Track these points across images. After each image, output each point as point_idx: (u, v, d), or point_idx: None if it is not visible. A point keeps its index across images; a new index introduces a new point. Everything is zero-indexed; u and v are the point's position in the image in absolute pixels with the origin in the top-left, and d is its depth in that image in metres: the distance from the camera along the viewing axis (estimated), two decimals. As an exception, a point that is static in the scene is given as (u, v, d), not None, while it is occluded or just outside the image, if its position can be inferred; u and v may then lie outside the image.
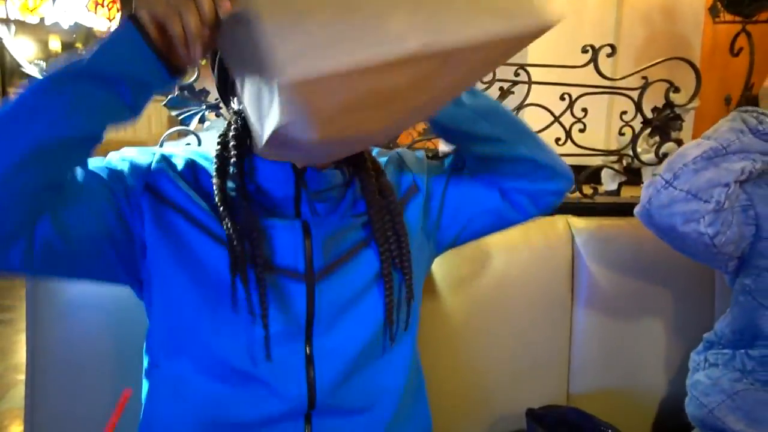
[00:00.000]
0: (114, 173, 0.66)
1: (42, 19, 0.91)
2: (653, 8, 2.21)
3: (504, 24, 0.47)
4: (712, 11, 1.72)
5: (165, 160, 0.70)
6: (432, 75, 0.49)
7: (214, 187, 0.68)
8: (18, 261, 0.56)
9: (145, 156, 0.70)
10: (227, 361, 0.66)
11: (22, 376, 2.55)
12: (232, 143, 0.70)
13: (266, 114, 0.50)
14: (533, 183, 0.79)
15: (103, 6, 0.96)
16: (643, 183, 1.52)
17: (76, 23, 0.96)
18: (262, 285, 0.66)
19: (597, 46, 1.28)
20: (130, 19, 0.53)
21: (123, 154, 0.70)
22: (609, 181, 1.63)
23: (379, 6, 0.45)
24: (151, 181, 0.67)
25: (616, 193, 1.57)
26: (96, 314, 0.91)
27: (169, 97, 1.07)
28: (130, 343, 0.80)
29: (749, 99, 1.72)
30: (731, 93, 1.79)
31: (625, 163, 1.51)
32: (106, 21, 0.99)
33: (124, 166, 0.67)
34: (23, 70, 1.00)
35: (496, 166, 0.79)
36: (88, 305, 0.91)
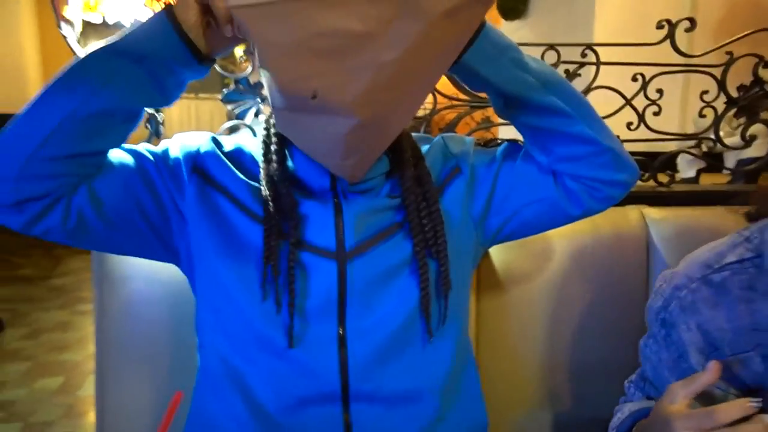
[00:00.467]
0: (161, 156, 0.70)
1: (104, 19, 0.93)
2: (733, -22, 2.04)
3: None
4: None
5: (215, 143, 0.74)
6: (388, 23, 0.48)
7: (260, 168, 0.70)
8: (55, 227, 0.62)
9: (197, 140, 0.73)
10: (263, 338, 0.67)
11: (94, 365, 2.70)
12: (272, 131, 0.72)
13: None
14: (591, 169, 0.72)
15: (159, 0, 0.97)
16: (725, 169, 1.40)
17: (136, 20, 0.97)
18: (292, 259, 0.67)
19: (673, 21, 1.18)
20: (165, 12, 0.59)
21: (178, 138, 0.74)
22: (686, 168, 1.52)
23: None
24: (200, 163, 0.71)
25: (695, 180, 1.46)
26: (160, 307, 0.93)
27: (226, 92, 1.06)
28: (192, 334, 0.81)
29: None
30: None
31: (705, 147, 1.39)
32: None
33: (175, 150, 0.71)
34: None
35: (553, 144, 0.73)
36: (152, 298, 0.93)
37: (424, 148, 0.79)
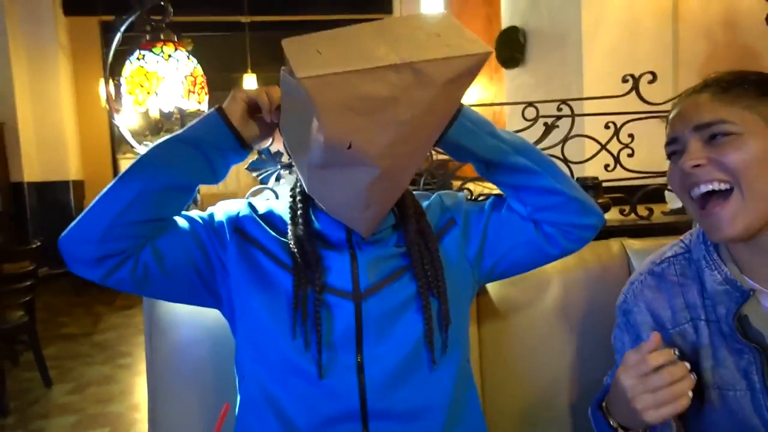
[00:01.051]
0: (208, 220, 0.87)
1: (148, 110, 1.13)
2: (712, 22, 2.19)
3: (451, 51, 0.64)
4: (768, 21, 1.71)
5: (251, 208, 0.91)
6: (408, 88, 0.64)
7: (288, 229, 0.86)
8: (126, 278, 0.78)
9: (236, 205, 0.91)
10: (296, 368, 0.81)
11: (139, 415, 2.85)
12: (298, 197, 0.88)
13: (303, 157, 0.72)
14: (562, 216, 0.88)
15: (194, 92, 1.17)
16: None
17: (176, 107, 1.18)
18: (317, 304, 0.81)
19: (640, 72, 1.33)
20: (217, 109, 0.79)
21: (221, 205, 0.92)
22: (673, 200, 1.64)
23: (369, 43, 0.65)
24: (239, 225, 0.87)
25: (682, 211, 1.57)
26: (203, 348, 1.06)
27: (250, 161, 1.25)
28: (231, 370, 0.95)
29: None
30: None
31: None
32: (196, 104, 1.19)
33: (219, 214, 0.88)
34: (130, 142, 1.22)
35: (527, 197, 0.89)
36: (196, 341, 1.07)
37: (424, 203, 0.95)
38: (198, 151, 0.78)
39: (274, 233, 0.87)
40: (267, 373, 0.83)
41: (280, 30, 7.49)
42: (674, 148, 0.79)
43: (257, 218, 0.89)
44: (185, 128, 0.79)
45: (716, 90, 0.76)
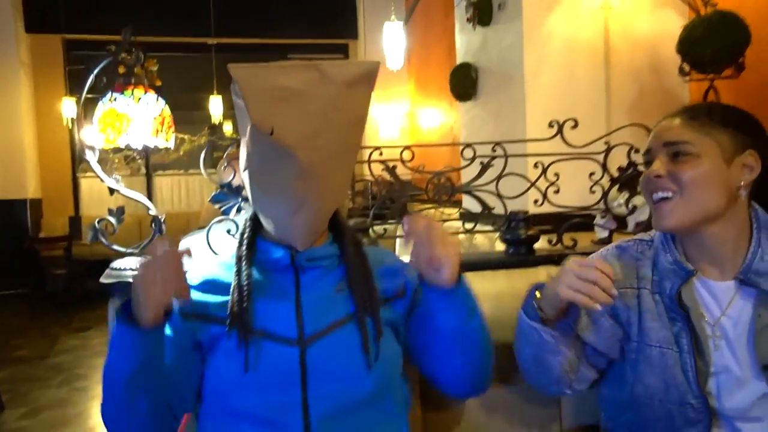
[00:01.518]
0: (174, 332, 0.91)
1: (119, 147, 1.23)
2: (639, 67, 2.43)
3: (351, 61, 0.85)
4: (681, 71, 1.93)
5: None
6: (317, 85, 0.82)
7: (234, 277, 0.94)
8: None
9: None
10: (248, 409, 0.89)
11: (97, 437, 2.84)
12: (248, 224, 0.99)
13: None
14: (446, 389, 1.03)
15: (161, 132, 1.28)
16: (628, 229, 1.70)
17: (143, 145, 1.28)
18: (245, 343, 0.88)
19: (577, 112, 1.52)
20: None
21: None
22: (600, 231, 1.82)
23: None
24: (195, 310, 0.92)
25: (608, 240, 1.75)
26: None
27: (213, 194, 1.35)
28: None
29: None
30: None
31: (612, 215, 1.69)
32: (164, 142, 1.30)
33: (174, 319, 0.91)
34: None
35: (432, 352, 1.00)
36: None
37: (390, 260, 1.06)
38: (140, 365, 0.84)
39: (215, 298, 0.94)
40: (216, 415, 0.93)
41: (246, 52, 7.61)
42: (647, 158, 1.00)
43: (194, 289, 0.94)
44: (112, 359, 0.85)
45: (687, 116, 0.96)
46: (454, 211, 2.17)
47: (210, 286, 0.95)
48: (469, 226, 1.61)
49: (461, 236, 2.57)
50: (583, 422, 1.33)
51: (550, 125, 1.49)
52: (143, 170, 7.56)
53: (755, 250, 0.94)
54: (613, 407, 1.07)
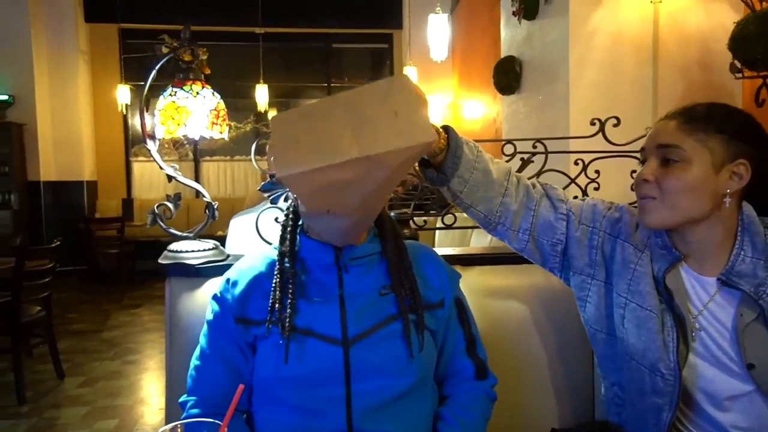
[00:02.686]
0: (220, 340, 0.99)
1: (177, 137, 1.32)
2: (689, 62, 2.37)
3: (403, 141, 0.80)
4: (732, 69, 1.89)
5: (231, 289, 1.00)
6: (368, 171, 0.81)
7: (278, 247, 1.01)
8: None
9: (217, 305, 1.01)
10: (299, 401, 0.95)
11: (146, 408, 3.03)
12: (291, 217, 1.04)
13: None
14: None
15: (217, 124, 1.36)
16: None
17: (201, 136, 1.36)
18: (287, 343, 0.94)
19: (622, 110, 1.52)
20: None
21: (207, 323, 1.02)
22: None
23: (336, 130, 0.81)
24: (237, 314, 0.99)
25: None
26: None
27: (262, 183, 1.43)
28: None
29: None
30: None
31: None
32: (218, 134, 1.38)
33: (218, 329, 1.00)
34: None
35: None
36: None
37: (433, 264, 1.08)
38: None
39: (259, 298, 0.99)
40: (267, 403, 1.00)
41: (292, 41, 7.74)
42: (642, 156, 1.03)
43: (240, 297, 0.99)
44: None
45: (682, 120, 0.96)
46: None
47: (256, 286, 1.00)
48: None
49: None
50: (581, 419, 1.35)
51: (592, 123, 1.49)
52: (191, 156, 7.82)
53: (738, 252, 0.95)
54: (605, 365, 1.12)
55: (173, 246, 1.32)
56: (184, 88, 1.28)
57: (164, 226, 1.37)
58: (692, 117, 0.95)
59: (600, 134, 1.50)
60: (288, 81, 8.17)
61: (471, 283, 1.35)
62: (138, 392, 3.32)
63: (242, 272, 1.03)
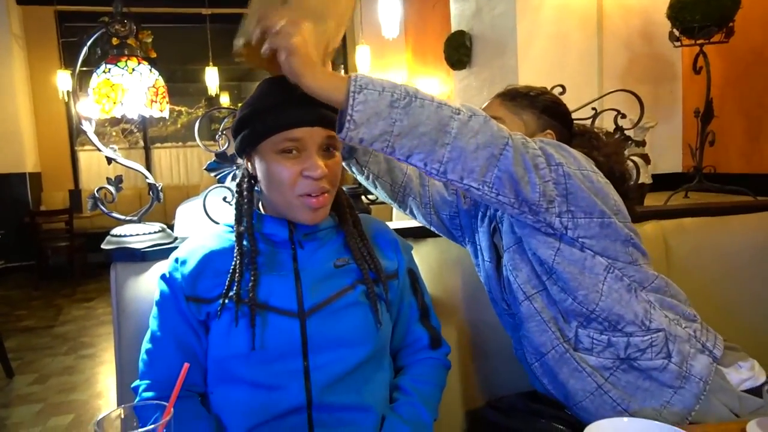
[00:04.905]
0: (171, 321, 0.97)
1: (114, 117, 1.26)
2: (632, 34, 2.43)
3: None
4: (671, 37, 1.94)
5: (180, 268, 0.97)
6: None
7: (233, 227, 0.99)
8: None
9: (166, 285, 0.98)
10: (257, 377, 0.94)
11: (103, 401, 2.95)
12: (245, 194, 1.00)
13: None
14: None
15: (156, 102, 1.31)
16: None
17: (139, 114, 1.31)
18: (253, 315, 0.92)
19: (569, 80, 1.54)
20: None
21: (156, 304, 0.99)
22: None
23: None
24: (188, 293, 0.96)
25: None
26: None
27: (208, 163, 1.39)
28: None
29: (707, 111, 1.92)
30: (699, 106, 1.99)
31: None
32: (158, 112, 1.33)
33: (168, 309, 0.97)
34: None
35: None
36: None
37: (382, 231, 1.09)
38: None
39: (211, 275, 0.97)
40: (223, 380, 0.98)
41: (240, 22, 7.52)
42: None
43: (190, 275, 0.97)
44: None
45: (506, 97, 1.14)
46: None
47: (208, 264, 0.98)
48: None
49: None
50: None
51: (538, 92, 1.51)
52: (141, 143, 7.57)
53: None
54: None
55: (116, 230, 1.27)
56: (118, 64, 1.22)
57: (106, 210, 1.32)
58: (513, 95, 1.14)
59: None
60: (241, 63, 7.96)
61: (425, 254, 1.36)
62: (94, 386, 3.23)
63: (192, 251, 1.00)
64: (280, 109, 0.93)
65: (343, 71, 7.25)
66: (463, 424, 1.30)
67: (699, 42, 1.88)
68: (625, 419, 0.88)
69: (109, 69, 1.21)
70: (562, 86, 1.52)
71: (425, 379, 1.06)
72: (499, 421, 1.15)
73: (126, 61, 1.22)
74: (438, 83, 5.33)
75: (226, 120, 1.48)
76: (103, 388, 3.19)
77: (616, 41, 2.42)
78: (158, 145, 7.76)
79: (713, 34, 1.81)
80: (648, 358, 0.96)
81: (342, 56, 7.27)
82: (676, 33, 1.90)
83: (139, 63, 1.26)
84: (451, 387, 1.26)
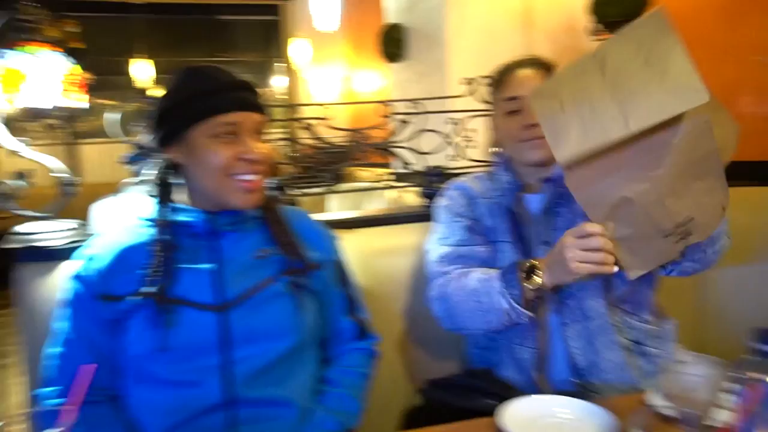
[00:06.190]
0: (83, 322, 0.92)
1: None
2: (557, 27, 2.51)
3: (677, 104, 0.80)
4: (590, 31, 2.02)
5: (92, 266, 0.93)
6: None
7: (151, 246, 0.93)
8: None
9: (78, 284, 0.93)
10: (174, 375, 0.90)
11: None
12: (163, 194, 0.97)
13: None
14: None
15: (71, 91, 1.24)
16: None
17: (54, 105, 1.23)
18: (164, 313, 0.89)
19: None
20: None
21: (66, 304, 0.94)
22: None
23: (600, 103, 0.82)
24: (100, 291, 0.92)
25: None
26: None
27: (125, 155, 1.33)
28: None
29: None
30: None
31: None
32: (77, 102, 1.26)
33: (80, 309, 0.93)
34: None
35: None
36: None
37: (306, 222, 1.07)
38: None
39: (126, 270, 0.92)
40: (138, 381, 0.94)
41: (173, 13, 7.25)
42: (516, 105, 1.10)
43: (103, 272, 0.93)
44: None
45: (541, 68, 1.14)
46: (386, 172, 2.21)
47: (122, 260, 0.94)
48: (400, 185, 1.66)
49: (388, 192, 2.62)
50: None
51: (465, 83, 1.54)
52: (69, 139, 7.16)
53: None
54: None
55: (21, 228, 1.20)
56: (17, 49, 1.14)
57: (12, 207, 1.23)
58: (543, 65, 1.14)
59: (474, 94, 1.55)
60: (173, 55, 7.67)
61: (355, 244, 1.36)
62: (8, 398, 3.04)
63: (104, 247, 0.96)
64: (213, 94, 0.91)
65: (280, 65, 7.13)
66: (403, 404, 1.32)
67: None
68: (541, 396, 0.93)
69: (3, 55, 1.13)
70: (489, 77, 1.56)
71: (353, 370, 1.06)
72: (438, 397, 1.17)
73: (27, 47, 1.14)
74: (378, 77, 5.34)
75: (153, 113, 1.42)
76: (18, 401, 3.00)
77: (542, 35, 2.49)
78: (88, 140, 7.36)
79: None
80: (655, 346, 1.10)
81: (279, 49, 7.14)
82: (596, 27, 1.98)
83: (48, 49, 1.18)
84: (388, 375, 1.27)
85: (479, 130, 1.59)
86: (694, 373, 0.78)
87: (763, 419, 0.56)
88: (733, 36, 1.75)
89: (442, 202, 1.20)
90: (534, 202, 1.13)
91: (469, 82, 1.55)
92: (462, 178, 1.24)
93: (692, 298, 1.46)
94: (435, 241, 1.17)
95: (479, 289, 1.04)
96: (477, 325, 1.07)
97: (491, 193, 1.16)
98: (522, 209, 1.13)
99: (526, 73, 1.11)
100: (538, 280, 0.98)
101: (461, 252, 1.12)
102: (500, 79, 1.16)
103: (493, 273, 1.04)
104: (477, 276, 1.06)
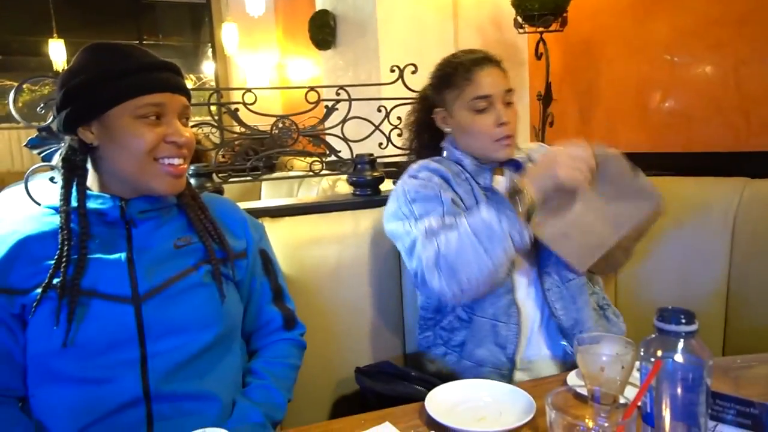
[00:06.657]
0: None
1: None
2: (484, 20, 2.56)
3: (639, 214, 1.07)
4: (516, 24, 2.08)
5: None
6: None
7: (59, 207, 0.88)
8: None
9: None
10: (84, 372, 0.85)
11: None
12: (71, 181, 0.91)
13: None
14: None
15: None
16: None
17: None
18: (72, 307, 0.83)
19: (401, 65, 1.57)
20: None
21: None
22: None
23: (587, 224, 1.05)
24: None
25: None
26: None
27: (29, 139, 1.23)
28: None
29: (547, 94, 2.10)
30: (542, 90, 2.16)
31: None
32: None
33: None
34: None
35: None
36: None
37: (229, 209, 1.04)
38: None
39: (31, 264, 0.86)
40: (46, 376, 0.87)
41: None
42: (484, 105, 1.14)
43: (9, 261, 0.86)
44: None
45: (501, 66, 1.18)
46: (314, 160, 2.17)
47: (23, 251, 0.87)
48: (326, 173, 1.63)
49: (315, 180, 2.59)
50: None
51: (392, 70, 1.53)
52: (-30, 124, 6.58)
53: None
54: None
55: None
56: None
57: None
58: (497, 62, 1.18)
59: (401, 82, 1.55)
60: (86, 36, 7.20)
61: (282, 234, 1.34)
62: None
63: (1, 237, 0.89)
64: (136, 72, 0.86)
65: (210, 50, 6.88)
66: (333, 393, 1.31)
67: (539, 30, 2.03)
68: (466, 381, 0.95)
69: None
70: (414, 65, 1.56)
71: (279, 361, 1.04)
72: (366, 384, 1.17)
73: None
74: (310, 64, 5.26)
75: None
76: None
77: (469, 26, 2.53)
78: (-6, 126, 6.80)
79: (550, 23, 1.96)
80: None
81: (208, 34, 6.88)
82: (520, 20, 2.03)
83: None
84: (317, 365, 1.26)
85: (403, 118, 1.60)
86: (605, 352, 0.82)
87: (659, 394, 0.59)
88: (644, 33, 1.85)
89: (413, 184, 1.15)
90: (500, 183, 1.22)
91: (394, 69, 1.54)
92: (423, 162, 1.22)
93: (612, 282, 1.54)
94: (413, 221, 1.10)
95: (473, 225, 1.00)
96: (482, 269, 0.99)
97: (464, 175, 1.19)
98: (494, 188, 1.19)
99: (490, 71, 1.14)
100: (525, 192, 1.00)
101: (449, 221, 1.08)
102: (460, 78, 1.14)
103: (481, 210, 1.02)
104: (465, 221, 1.03)
